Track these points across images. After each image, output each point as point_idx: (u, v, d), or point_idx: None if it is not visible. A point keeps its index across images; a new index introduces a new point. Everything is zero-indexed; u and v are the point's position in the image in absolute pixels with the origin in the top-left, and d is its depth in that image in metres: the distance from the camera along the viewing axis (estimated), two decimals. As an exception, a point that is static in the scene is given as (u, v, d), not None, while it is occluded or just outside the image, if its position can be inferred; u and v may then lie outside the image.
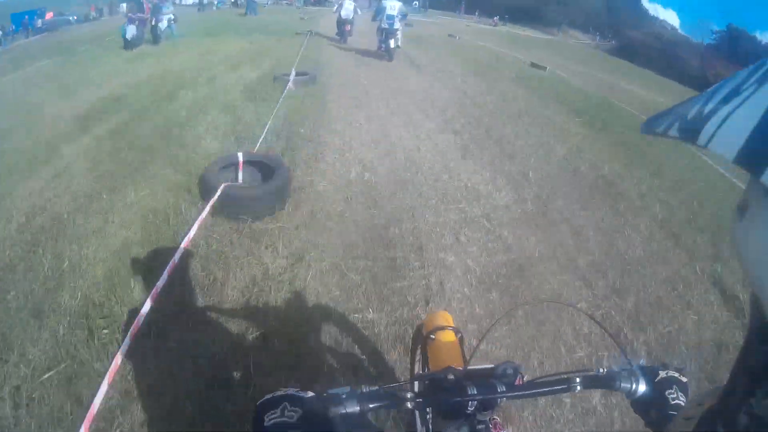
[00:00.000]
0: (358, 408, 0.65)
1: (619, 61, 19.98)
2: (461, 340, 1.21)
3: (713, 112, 0.29)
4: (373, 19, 10.47)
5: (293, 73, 7.16)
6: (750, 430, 0.32)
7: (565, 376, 0.74)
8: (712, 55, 20.76)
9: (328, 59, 9.83)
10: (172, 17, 12.68)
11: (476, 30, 21.82)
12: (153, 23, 11.57)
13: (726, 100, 0.29)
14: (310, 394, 0.67)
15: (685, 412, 0.45)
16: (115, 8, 18.81)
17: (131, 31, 10.83)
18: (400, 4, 10.04)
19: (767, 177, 0.24)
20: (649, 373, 0.73)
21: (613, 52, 23.78)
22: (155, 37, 11.64)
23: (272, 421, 0.61)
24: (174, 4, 15.41)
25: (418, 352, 1.37)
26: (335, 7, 12.69)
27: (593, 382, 0.74)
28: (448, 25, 21.73)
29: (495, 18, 27.99)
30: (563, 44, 23.66)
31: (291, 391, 0.66)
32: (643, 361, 0.76)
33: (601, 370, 0.75)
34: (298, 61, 8.69)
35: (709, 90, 0.32)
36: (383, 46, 10.20)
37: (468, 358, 1.14)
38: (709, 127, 0.28)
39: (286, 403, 0.63)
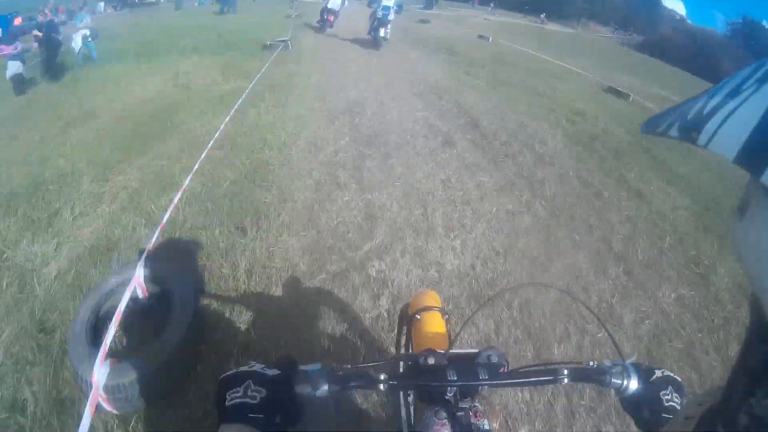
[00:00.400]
0: (327, 387, 0.62)
1: (661, 64, 18.27)
2: (448, 322, 1.17)
3: (713, 112, 0.29)
4: (368, 4, 10.47)
5: (138, 272, 2.07)
6: (750, 430, 0.32)
7: (553, 367, 0.71)
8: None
9: (284, 133, 4.74)
10: (88, 33, 9.30)
11: (498, 25, 19.63)
12: (49, 47, 8.31)
13: (726, 100, 0.29)
14: (277, 371, 0.63)
15: (685, 412, 0.45)
16: (90, 7, 16.25)
17: (13, 68, 7.38)
18: None
19: (767, 177, 0.24)
20: (644, 371, 0.71)
21: (639, 48, 22.84)
22: (52, 70, 8.06)
23: (234, 401, 0.58)
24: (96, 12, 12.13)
25: (405, 331, 1.32)
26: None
27: (582, 375, 0.72)
28: (466, 20, 20.04)
29: (542, 15, 26.18)
30: (590, 40, 21.91)
31: (257, 367, 0.63)
32: (634, 359, 0.73)
33: (592, 364, 0.72)
34: (215, 144, 4.18)
35: (709, 90, 0.32)
36: (373, 33, 10.14)
37: (453, 340, 1.08)
38: (709, 127, 0.29)
39: (250, 382, 0.59)
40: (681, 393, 0.70)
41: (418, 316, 1.16)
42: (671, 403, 0.68)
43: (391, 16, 9.89)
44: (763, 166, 0.25)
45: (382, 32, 9.95)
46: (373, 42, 10.08)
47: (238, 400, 0.58)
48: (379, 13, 9.79)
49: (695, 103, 0.32)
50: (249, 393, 0.59)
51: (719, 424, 0.36)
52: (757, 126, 0.26)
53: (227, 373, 0.62)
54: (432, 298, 1.23)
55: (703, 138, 0.29)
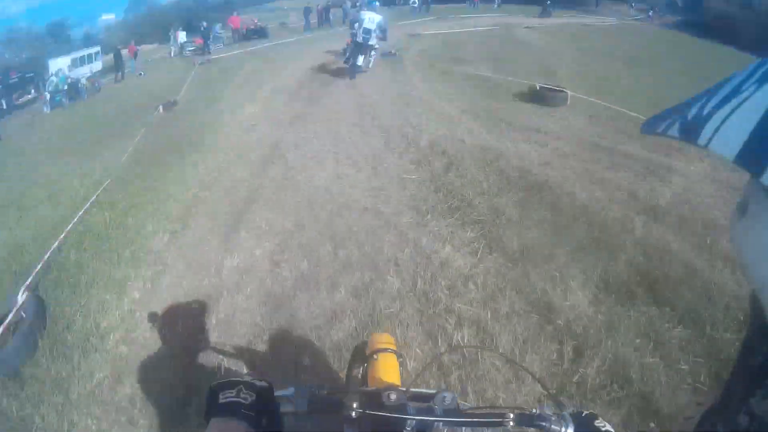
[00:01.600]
0: (306, 408, 0.70)
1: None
2: (402, 364, 1.26)
3: (713, 112, 0.29)
4: (350, 27, 9.34)
5: None
6: (750, 430, 0.32)
7: (500, 411, 0.79)
8: None
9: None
10: None
11: (564, 35, 13.43)
12: None
13: (726, 100, 0.29)
14: (264, 384, 0.70)
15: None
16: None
17: None
18: (381, 18, 8.65)
19: (767, 177, 0.24)
20: (580, 421, 0.77)
21: (687, 30, 17.11)
22: None
23: (227, 399, 0.65)
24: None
25: (357, 370, 1.43)
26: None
27: (526, 420, 0.79)
28: (509, 36, 13.37)
29: (651, 12, 17.92)
30: (629, 31, 15.32)
31: (247, 378, 0.70)
32: (571, 410, 0.79)
33: (534, 410, 0.80)
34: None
35: (709, 90, 0.32)
36: (351, 60, 9.02)
37: (408, 381, 1.18)
38: (709, 127, 0.29)
39: (242, 386, 0.67)
40: None
41: (376, 357, 1.25)
42: None
43: (373, 41, 8.66)
44: (763, 166, 0.25)
45: (360, 60, 8.76)
46: (349, 71, 8.79)
47: (231, 399, 0.65)
48: (359, 38, 8.61)
49: (695, 103, 0.32)
50: (241, 395, 0.66)
51: (719, 424, 0.36)
52: (757, 126, 0.26)
53: (219, 381, 0.69)
54: (387, 340, 1.34)
55: (703, 138, 0.29)
